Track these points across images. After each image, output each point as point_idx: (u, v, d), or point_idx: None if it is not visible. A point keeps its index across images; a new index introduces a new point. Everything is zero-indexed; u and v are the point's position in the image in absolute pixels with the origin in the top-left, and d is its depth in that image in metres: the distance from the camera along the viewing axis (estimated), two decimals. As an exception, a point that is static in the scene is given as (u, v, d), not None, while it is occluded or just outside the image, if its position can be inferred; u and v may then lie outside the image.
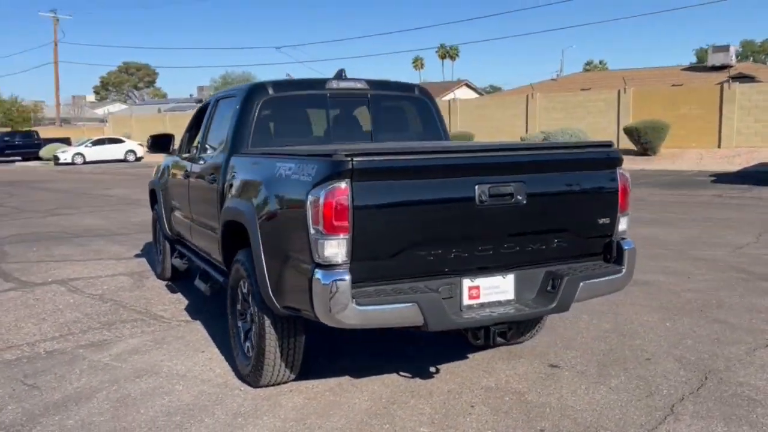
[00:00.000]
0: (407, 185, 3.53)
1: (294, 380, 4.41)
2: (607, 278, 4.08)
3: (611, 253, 4.16)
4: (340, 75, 5.38)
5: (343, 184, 3.35)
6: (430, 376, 4.55)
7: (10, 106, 54.42)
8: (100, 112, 71.25)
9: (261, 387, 4.30)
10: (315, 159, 3.57)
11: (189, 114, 45.51)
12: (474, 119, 31.78)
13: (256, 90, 5.10)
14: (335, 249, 3.39)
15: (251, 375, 4.29)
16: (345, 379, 4.51)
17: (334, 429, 3.78)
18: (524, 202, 3.74)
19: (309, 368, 4.56)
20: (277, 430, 3.77)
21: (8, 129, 46.81)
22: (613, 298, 5.73)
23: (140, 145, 39.46)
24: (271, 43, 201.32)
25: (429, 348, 5.10)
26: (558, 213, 3.97)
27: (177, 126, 44.09)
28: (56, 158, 36.81)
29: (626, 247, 4.15)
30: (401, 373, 4.60)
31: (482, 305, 3.83)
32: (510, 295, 3.91)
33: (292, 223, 3.62)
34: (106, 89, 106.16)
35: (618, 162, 4.10)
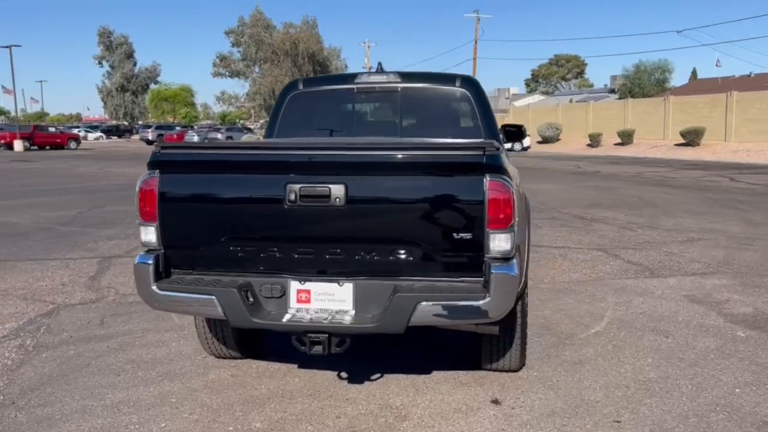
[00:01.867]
0: (214, 179, 3.63)
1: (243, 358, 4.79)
2: (462, 303, 3.45)
3: (479, 275, 3.49)
4: (377, 68, 5.37)
5: (155, 174, 3.64)
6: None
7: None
8: (518, 103, 75.21)
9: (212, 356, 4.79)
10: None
11: (580, 106, 45.82)
12: None
13: (289, 86, 5.47)
14: (149, 235, 3.70)
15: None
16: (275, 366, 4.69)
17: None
18: (344, 206, 3.45)
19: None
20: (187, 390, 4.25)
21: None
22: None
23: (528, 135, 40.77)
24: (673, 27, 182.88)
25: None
26: (395, 221, 3.52)
27: (568, 118, 44.29)
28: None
29: (494, 272, 3.43)
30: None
31: (309, 310, 3.66)
32: (348, 305, 3.63)
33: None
34: (536, 81, 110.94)
35: (486, 168, 3.39)
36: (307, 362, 4.72)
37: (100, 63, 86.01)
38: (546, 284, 7.03)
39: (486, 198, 3.38)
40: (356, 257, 3.56)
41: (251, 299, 3.64)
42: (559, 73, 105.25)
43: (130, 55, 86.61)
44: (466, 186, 3.42)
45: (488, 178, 3.38)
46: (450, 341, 5.14)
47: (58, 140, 49.70)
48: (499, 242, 3.43)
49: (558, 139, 43.46)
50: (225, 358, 4.77)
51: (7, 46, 47.53)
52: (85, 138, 65.85)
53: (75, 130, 63.28)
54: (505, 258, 3.47)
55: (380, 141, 4.28)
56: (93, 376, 4.55)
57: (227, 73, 76.07)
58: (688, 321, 5.70)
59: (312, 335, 3.58)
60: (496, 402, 4.11)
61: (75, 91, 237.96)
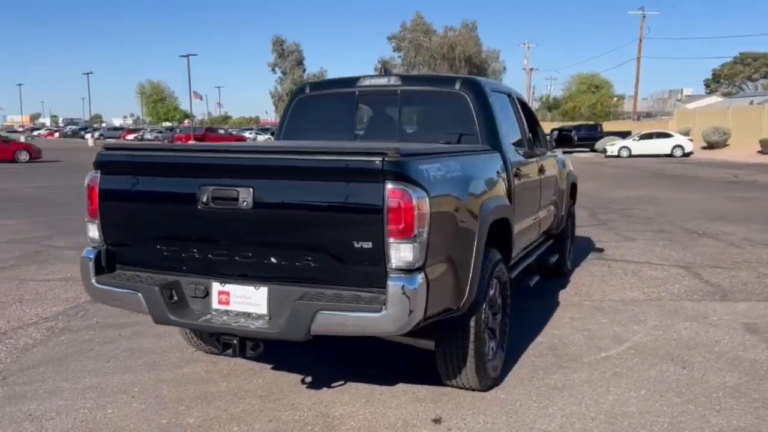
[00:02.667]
0: (143, 180, 3.77)
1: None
2: (358, 315, 3.32)
3: (378, 287, 3.34)
4: (382, 71, 5.30)
5: (97, 174, 3.86)
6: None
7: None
8: (691, 105, 69.93)
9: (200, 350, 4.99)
10: None
11: (754, 108, 40.90)
12: None
13: (297, 89, 5.55)
14: (93, 231, 3.93)
15: None
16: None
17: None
18: (251, 209, 3.45)
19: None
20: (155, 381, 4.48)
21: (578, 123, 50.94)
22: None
23: (690, 140, 37.88)
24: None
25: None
26: (301, 227, 3.45)
27: (739, 121, 40.49)
28: (604, 150, 38.60)
29: (390, 283, 3.26)
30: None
31: (228, 313, 3.70)
32: (263, 309, 3.62)
33: None
34: (717, 82, 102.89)
35: (387, 175, 3.23)
36: (282, 364, 4.77)
37: (273, 70, 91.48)
38: (591, 301, 6.53)
39: (385, 206, 3.22)
40: (267, 262, 3.54)
41: (176, 298, 3.73)
42: (744, 73, 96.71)
43: (300, 62, 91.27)
44: (366, 193, 3.28)
45: (389, 186, 3.22)
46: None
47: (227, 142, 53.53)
48: (400, 253, 3.26)
49: (726, 145, 39.89)
50: (209, 353, 4.93)
51: (185, 55, 52.02)
52: (254, 139, 70.38)
53: (246, 133, 67.75)
54: (409, 270, 3.28)
55: (288, 145, 4.21)
56: (87, 361, 4.89)
57: (388, 77, 77.89)
58: (724, 352, 5.05)
59: (224, 337, 3.61)
60: (436, 421, 3.91)
61: (251, 96, 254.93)
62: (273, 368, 4.73)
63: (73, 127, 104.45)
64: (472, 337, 4.00)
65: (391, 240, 3.24)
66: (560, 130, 6.83)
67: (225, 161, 3.62)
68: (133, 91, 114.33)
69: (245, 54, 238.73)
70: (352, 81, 5.32)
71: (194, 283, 3.73)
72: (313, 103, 5.46)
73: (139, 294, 3.71)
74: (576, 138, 7.04)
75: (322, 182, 3.37)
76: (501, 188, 4.63)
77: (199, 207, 3.54)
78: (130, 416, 3.97)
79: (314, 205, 3.39)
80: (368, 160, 3.26)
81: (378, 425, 3.86)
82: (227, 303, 3.69)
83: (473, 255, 3.84)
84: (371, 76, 5.28)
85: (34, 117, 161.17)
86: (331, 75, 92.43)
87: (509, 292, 4.67)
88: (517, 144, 5.62)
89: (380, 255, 3.27)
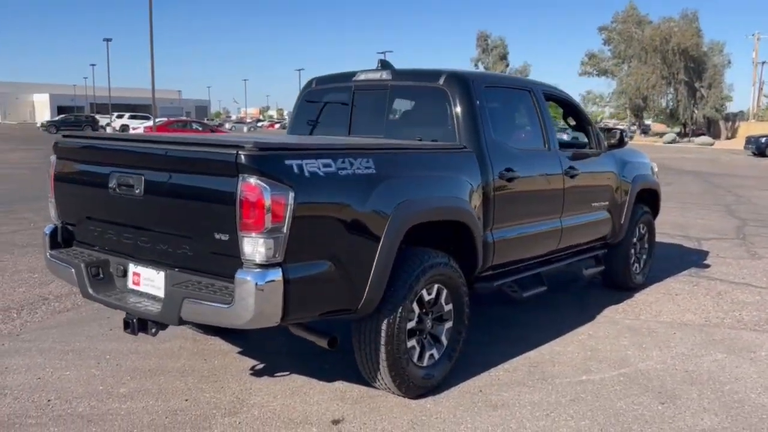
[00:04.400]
0: (80, 166, 4.13)
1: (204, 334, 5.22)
2: (213, 306, 3.37)
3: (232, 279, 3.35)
4: (380, 65, 5.26)
5: (53, 159, 4.30)
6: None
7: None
8: None
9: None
10: None
11: None
12: None
13: (306, 84, 5.67)
14: (51, 209, 4.37)
15: None
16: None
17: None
18: (142, 196, 3.66)
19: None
20: (130, 351, 4.91)
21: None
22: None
23: None
24: None
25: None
26: (173, 215, 3.57)
27: None
28: None
29: (240, 277, 3.26)
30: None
31: (138, 293, 3.93)
32: (162, 292, 3.81)
33: None
34: None
35: (242, 169, 3.22)
36: (251, 350, 4.93)
37: (476, 65, 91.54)
38: (632, 320, 5.89)
39: (238, 199, 3.24)
40: (160, 247, 3.71)
41: (101, 275, 4.04)
42: None
43: (503, 57, 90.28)
44: (224, 185, 3.31)
45: (242, 179, 3.23)
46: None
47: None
48: (252, 247, 3.25)
49: None
50: (197, 331, 5.23)
51: (382, 52, 53.90)
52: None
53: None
54: (263, 265, 3.27)
55: (171, 137, 4.27)
56: (97, 327, 5.41)
57: (594, 71, 74.37)
58: (733, 392, 4.35)
59: (127, 316, 3.85)
60: (336, 422, 3.84)
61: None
62: (239, 352, 4.91)
63: (251, 124, 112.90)
64: (382, 340, 3.86)
65: (242, 233, 3.24)
66: (619, 130, 6.21)
67: (126, 149, 3.86)
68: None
69: (446, 49, 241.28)
70: (350, 76, 5.31)
71: (117, 263, 4.01)
72: (317, 97, 5.53)
73: (72, 269, 4.06)
74: (627, 139, 6.36)
75: (192, 174, 3.47)
76: (461, 189, 4.37)
77: (110, 192, 3.81)
78: (79, 380, 4.36)
79: (187, 195, 3.50)
80: (225, 152, 3.29)
81: (276, 418, 3.87)
82: (138, 284, 3.92)
83: (376, 257, 3.70)
84: (367, 71, 5.23)
85: (263, 110, 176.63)
86: (534, 70, 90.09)
87: (466, 298, 4.39)
88: (528, 144, 5.24)
89: (235, 248, 3.29)
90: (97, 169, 3.97)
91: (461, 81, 4.72)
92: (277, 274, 3.27)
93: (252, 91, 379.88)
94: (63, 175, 4.24)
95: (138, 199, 3.66)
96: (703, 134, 60.64)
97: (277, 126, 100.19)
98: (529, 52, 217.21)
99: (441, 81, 4.74)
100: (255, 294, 3.22)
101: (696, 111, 63.97)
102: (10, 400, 4.05)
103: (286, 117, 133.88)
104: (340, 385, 4.33)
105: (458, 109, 4.64)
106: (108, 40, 69.14)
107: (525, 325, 5.65)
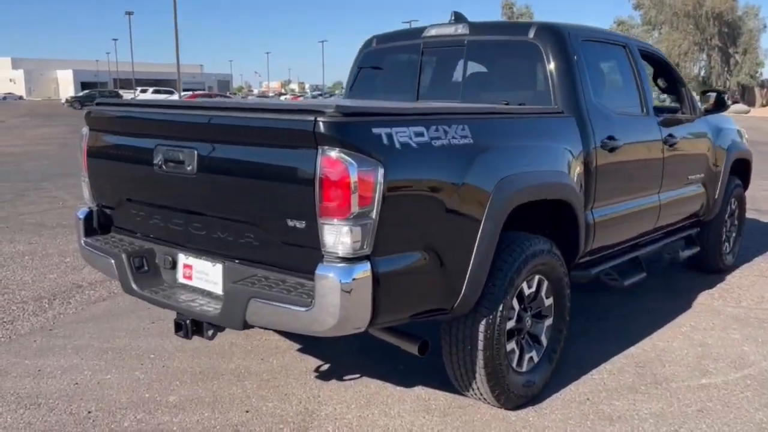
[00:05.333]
0: (120, 139, 3.52)
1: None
2: (287, 308, 2.75)
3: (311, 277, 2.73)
4: (453, 18, 4.56)
5: (85, 131, 3.69)
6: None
7: None
8: None
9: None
10: None
11: None
12: None
13: (365, 44, 5.00)
14: (85, 190, 3.77)
15: None
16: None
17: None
18: (196, 174, 3.03)
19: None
20: (154, 348, 4.35)
21: None
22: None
23: None
24: None
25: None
26: (233, 198, 2.94)
27: None
28: None
29: (318, 272, 2.63)
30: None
31: (189, 288, 3.33)
32: (219, 288, 3.20)
33: None
34: None
35: (322, 140, 2.58)
36: (310, 346, 4.33)
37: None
38: (736, 308, 5.22)
39: (317, 177, 2.60)
40: (217, 235, 3.09)
41: (146, 267, 3.45)
42: None
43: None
44: (298, 161, 2.68)
45: (322, 153, 2.59)
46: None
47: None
48: (334, 236, 2.62)
49: None
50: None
51: (407, 21, 52.77)
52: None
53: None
54: (349, 258, 2.63)
55: (231, 102, 3.62)
56: (137, 320, 4.84)
57: (624, 39, 72.43)
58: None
59: (178, 316, 3.25)
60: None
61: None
62: (299, 349, 4.32)
63: (316, 92, 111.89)
64: (480, 345, 3.23)
65: (323, 220, 2.61)
66: (716, 92, 5.43)
67: (173, 118, 3.22)
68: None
69: (470, 18, 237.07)
70: (417, 32, 4.63)
71: (164, 253, 3.41)
72: (379, 58, 4.87)
73: (112, 260, 3.47)
74: (729, 102, 5.59)
75: (258, 146, 2.83)
76: (562, 162, 3.70)
77: (155, 170, 3.19)
78: (122, 385, 3.80)
79: (251, 173, 2.87)
80: (300, 119, 2.64)
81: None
82: (190, 278, 3.32)
83: (475, 245, 3.05)
84: (439, 25, 4.54)
85: (285, 83, 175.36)
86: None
87: (568, 291, 3.74)
88: (626, 108, 4.53)
89: (314, 237, 2.66)
90: (138, 142, 3.35)
91: (556, 34, 4.01)
92: (365, 269, 2.64)
93: (274, 64, 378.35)
94: (98, 149, 3.62)
95: (189, 177, 3.04)
96: (738, 102, 58.83)
97: (300, 99, 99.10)
98: (556, 19, 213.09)
99: (531, 34, 4.04)
100: (340, 294, 2.59)
101: (730, 78, 62.08)
102: (45, 411, 3.50)
103: (308, 91, 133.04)
104: (421, 392, 3.73)
105: (553, 67, 3.94)
106: (130, 13, 68.69)
107: (614, 315, 5.00)
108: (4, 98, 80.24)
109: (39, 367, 4.04)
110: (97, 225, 3.73)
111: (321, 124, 2.57)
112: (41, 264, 6.34)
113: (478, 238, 3.05)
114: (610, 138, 4.05)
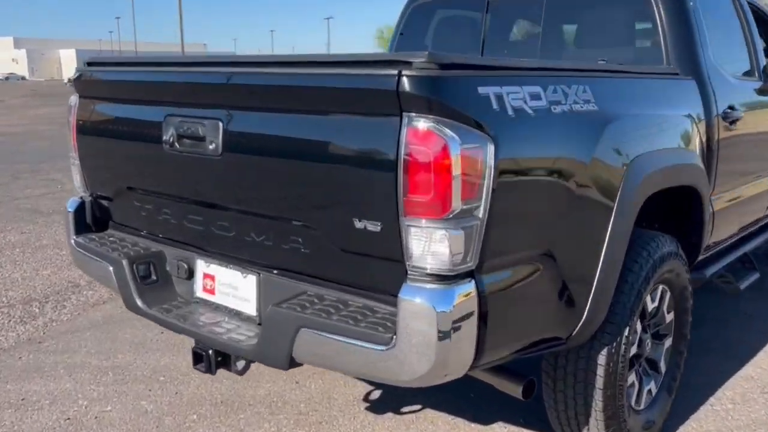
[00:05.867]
0: (118, 108, 2.69)
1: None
2: (354, 344, 1.93)
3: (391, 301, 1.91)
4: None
5: (74, 100, 2.86)
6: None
7: None
8: None
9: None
10: None
11: None
12: None
13: None
14: (76, 174, 2.96)
15: None
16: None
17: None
18: (221, 154, 2.21)
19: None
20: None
21: None
22: None
23: None
24: None
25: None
26: (274, 187, 2.12)
27: None
28: None
29: (402, 297, 1.82)
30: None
31: (211, 306, 2.52)
32: (251, 307, 2.39)
33: None
34: None
35: (408, 102, 1.74)
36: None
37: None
38: None
39: (400, 158, 1.77)
40: (249, 237, 2.27)
41: (154, 276, 2.64)
42: None
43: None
44: (373, 134, 1.86)
45: (409, 122, 1.76)
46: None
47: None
48: (424, 244, 1.79)
49: None
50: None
51: None
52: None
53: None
54: (445, 276, 1.81)
55: (262, 56, 2.78)
56: (143, 329, 4.05)
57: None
58: None
59: (198, 345, 2.43)
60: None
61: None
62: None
63: None
64: (599, 382, 2.42)
65: (408, 220, 1.79)
66: None
67: (189, 79, 2.36)
68: (372, 36, 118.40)
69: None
70: (484, -20, 3.77)
71: (177, 258, 2.60)
72: (429, 13, 4.02)
73: (110, 267, 2.66)
74: None
75: (311, 115, 1.99)
76: (687, 137, 2.87)
77: (164, 148, 2.37)
78: (125, 420, 3.03)
79: (299, 153, 2.04)
80: (375, 75, 1.80)
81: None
82: (212, 292, 2.51)
83: (603, 249, 2.23)
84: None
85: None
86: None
87: (690, 302, 2.93)
88: (741, 72, 3.69)
89: (395, 245, 1.84)
90: (142, 112, 2.53)
91: None
92: (469, 290, 1.82)
93: (278, 42, 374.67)
94: (91, 123, 2.80)
95: (212, 159, 2.21)
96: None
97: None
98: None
99: None
100: (437, 328, 1.77)
101: None
102: (27, 461, 2.71)
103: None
104: (503, 430, 2.93)
105: (667, 17, 3.09)
106: (133, -9, 67.42)
107: (710, 320, 4.18)
108: (7, 78, 79.39)
109: (23, 395, 3.26)
110: (90, 220, 2.91)
111: (406, 80, 1.73)
112: (34, 258, 5.55)
113: (606, 239, 2.23)
114: (731, 108, 3.23)
